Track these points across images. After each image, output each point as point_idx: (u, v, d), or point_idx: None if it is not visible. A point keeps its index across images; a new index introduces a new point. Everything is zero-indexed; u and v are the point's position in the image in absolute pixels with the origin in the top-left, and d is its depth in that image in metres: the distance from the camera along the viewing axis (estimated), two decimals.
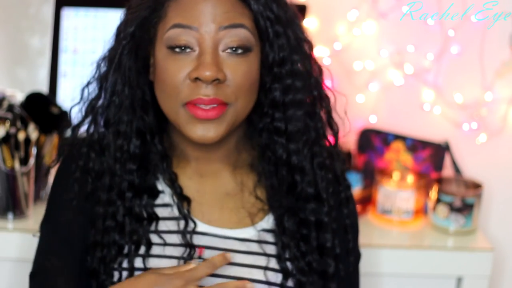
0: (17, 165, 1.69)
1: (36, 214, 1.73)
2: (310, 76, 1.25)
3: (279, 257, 1.25)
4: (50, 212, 1.30)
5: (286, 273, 1.24)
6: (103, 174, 1.25)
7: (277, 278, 1.24)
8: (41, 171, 1.77)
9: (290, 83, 1.23)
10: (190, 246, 1.22)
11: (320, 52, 2.02)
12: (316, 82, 1.26)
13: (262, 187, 1.29)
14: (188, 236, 1.23)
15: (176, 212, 1.25)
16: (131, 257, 1.22)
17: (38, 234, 1.30)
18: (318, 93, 1.27)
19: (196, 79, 1.16)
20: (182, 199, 1.25)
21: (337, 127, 1.29)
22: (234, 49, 1.18)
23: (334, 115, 1.29)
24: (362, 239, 1.41)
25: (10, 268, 1.71)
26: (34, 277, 1.28)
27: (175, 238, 1.24)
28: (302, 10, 1.96)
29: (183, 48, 1.17)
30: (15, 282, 1.71)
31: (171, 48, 1.17)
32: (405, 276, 1.80)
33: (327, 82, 1.29)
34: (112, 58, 1.23)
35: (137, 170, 1.25)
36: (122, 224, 1.23)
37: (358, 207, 1.90)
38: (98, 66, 1.26)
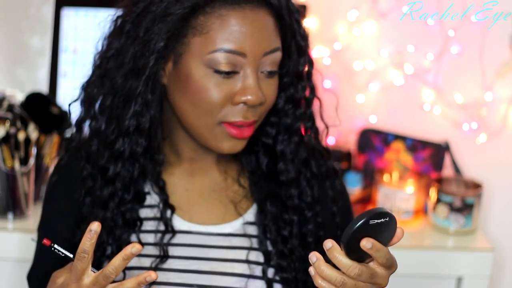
0: (17, 165, 1.69)
1: (36, 214, 1.73)
2: (310, 79, 1.27)
3: (260, 242, 1.25)
4: (43, 218, 1.30)
5: (267, 258, 1.25)
6: (115, 178, 1.23)
7: (258, 271, 1.24)
8: (41, 171, 1.77)
9: (298, 96, 1.25)
10: (163, 251, 1.23)
11: (320, 52, 2.02)
12: (313, 86, 1.27)
13: (245, 176, 1.30)
14: (165, 241, 1.23)
15: (157, 213, 1.26)
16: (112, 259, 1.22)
17: (36, 239, 1.31)
18: (312, 96, 1.28)
19: (241, 102, 1.17)
20: (167, 207, 1.25)
21: (327, 125, 1.30)
22: (269, 71, 1.19)
23: (324, 113, 1.30)
24: None
25: (10, 268, 1.71)
26: (31, 279, 1.30)
27: (154, 237, 1.24)
28: (302, 10, 1.96)
29: (228, 72, 1.16)
30: (15, 282, 1.71)
31: (217, 71, 1.16)
32: (405, 276, 1.80)
33: (326, 83, 1.29)
34: (140, 69, 1.18)
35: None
36: (111, 227, 1.23)
37: (358, 207, 1.90)
38: (102, 62, 1.23)
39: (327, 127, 1.29)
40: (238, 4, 1.15)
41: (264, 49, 1.16)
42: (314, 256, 1.03)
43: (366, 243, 1.00)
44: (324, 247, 1.02)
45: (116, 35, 1.22)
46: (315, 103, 1.28)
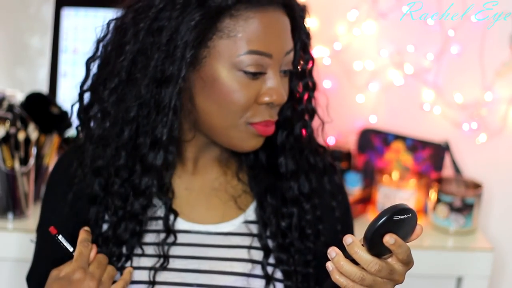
0: (17, 165, 1.69)
1: (36, 214, 1.73)
2: (312, 76, 1.28)
3: (260, 240, 1.25)
4: (42, 218, 1.30)
5: (267, 254, 1.25)
6: (145, 191, 1.23)
7: (258, 269, 1.25)
8: (41, 171, 1.77)
9: (300, 92, 1.27)
10: (164, 253, 1.23)
11: (320, 52, 2.02)
12: (314, 82, 1.29)
13: (244, 171, 1.31)
14: (166, 247, 1.23)
15: (159, 213, 1.25)
16: (116, 263, 1.23)
17: (35, 240, 1.31)
18: (313, 93, 1.29)
19: (266, 103, 1.19)
20: (170, 211, 1.25)
21: (323, 121, 1.31)
22: (285, 70, 1.21)
23: (321, 110, 1.31)
24: None
25: (10, 268, 1.71)
26: (30, 280, 1.30)
27: (154, 237, 1.24)
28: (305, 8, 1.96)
29: (256, 73, 1.17)
30: (15, 282, 1.71)
31: (246, 72, 1.16)
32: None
33: (326, 82, 1.30)
34: (169, 77, 1.16)
35: None
36: (118, 234, 1.23)
37: (358, 207, 1.90)
38: (113, 70, 1.21)
39: (323, 123, 1.30)
40: (262, 6, 1.16)
41: (286, 49, 1.19)
42: (333, 252, 1.03)
43: (390, 239, 1.00)
44: (344, 242, 1.02)
45: (129, 42, 1.19)
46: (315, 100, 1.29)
